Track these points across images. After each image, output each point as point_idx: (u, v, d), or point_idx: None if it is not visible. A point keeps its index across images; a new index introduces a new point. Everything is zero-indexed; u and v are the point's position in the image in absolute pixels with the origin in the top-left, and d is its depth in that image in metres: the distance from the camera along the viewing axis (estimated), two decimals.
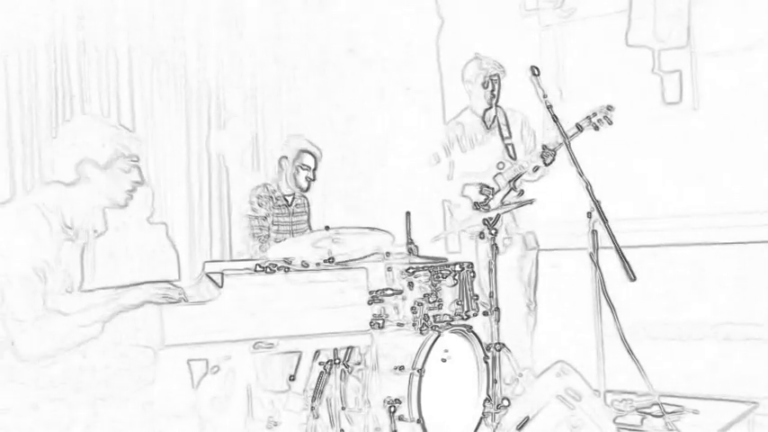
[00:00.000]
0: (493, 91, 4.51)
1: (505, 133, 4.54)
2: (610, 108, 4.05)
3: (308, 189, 4.53)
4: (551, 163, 4.25)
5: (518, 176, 4.30)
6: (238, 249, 4.84)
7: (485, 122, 4.56)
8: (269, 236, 4.36)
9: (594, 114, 4.06)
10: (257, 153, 5.23)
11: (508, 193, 4.32)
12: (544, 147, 4.24)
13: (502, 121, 4.57)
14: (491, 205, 4.27)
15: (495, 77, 4.50)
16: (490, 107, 4.54)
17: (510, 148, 4.52)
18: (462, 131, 4.58)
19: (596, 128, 4.07)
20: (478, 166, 4.48)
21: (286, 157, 4.50)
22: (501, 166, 4.36)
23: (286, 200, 4.50)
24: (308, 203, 4.62)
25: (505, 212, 4.32)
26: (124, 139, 3.02)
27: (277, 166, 4.53)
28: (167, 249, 4.78)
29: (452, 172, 4.57)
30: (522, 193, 4.33)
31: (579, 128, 4.07)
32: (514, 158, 4.47)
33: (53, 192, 2.95)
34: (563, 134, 3.99)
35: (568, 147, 3.94)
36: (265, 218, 4.39)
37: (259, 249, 4.35)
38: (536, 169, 4.27)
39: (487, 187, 4.32)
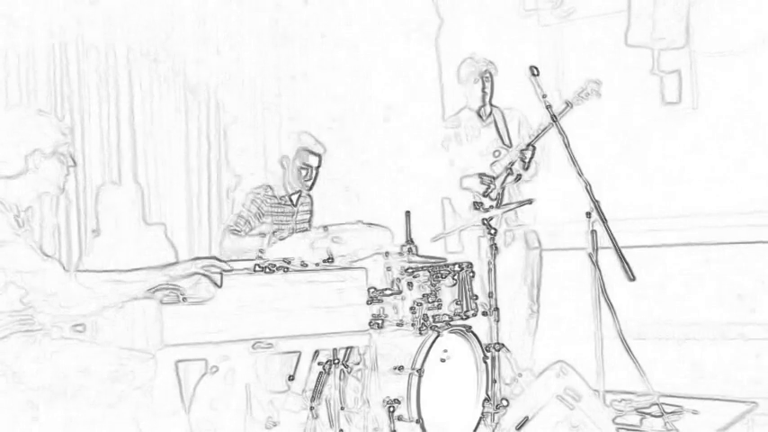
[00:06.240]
0: (484, 88, 4.55)
1: (503, 134, 4.57)
2: (597, 82, 4.06)
3: (311, 188, 4.52)
4: (531, 158, 4.27)
5: (514, 162, 4.32)
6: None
7: (480, 117, 4.60)
8: (245, 233, 4.34)
9: (583, 89, 4.08)
10: (259, 154, 5.24)
11: (506, 178, 4.34)
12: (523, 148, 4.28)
13: (499, 119, 4.60)
14: (491, 195, 4.29)
15: (487, 75, 4.55)
16: (484, 104, 4.59)
17: (506, 141, 4.56)
18: (459, 124, 4.63)
19: (584, 99, 4.10)
20: (474, 160, 4.52)
21: (287, 157, 4.48)
22: (497, 153, 4.38)
23: (290, 199, 4.49)
24: (312, 202, 4.61)
25: (505, 213, 4.32)
26: (60, 127, 3.10)
27: (279, 166, 4.51)
28: (166, 249, 4.78)
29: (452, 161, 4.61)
30: (519, 177, 4.35)
31: (569, 104, 4.10)
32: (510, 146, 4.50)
33: None
34: (562, 133, 3.99)
35: (567, 147, 3.94)
36: (250, 220, 4.36)
37: (223, 242, 4.33)
38: (527, 162, 4.30)
39: (487, 176, 4.35)
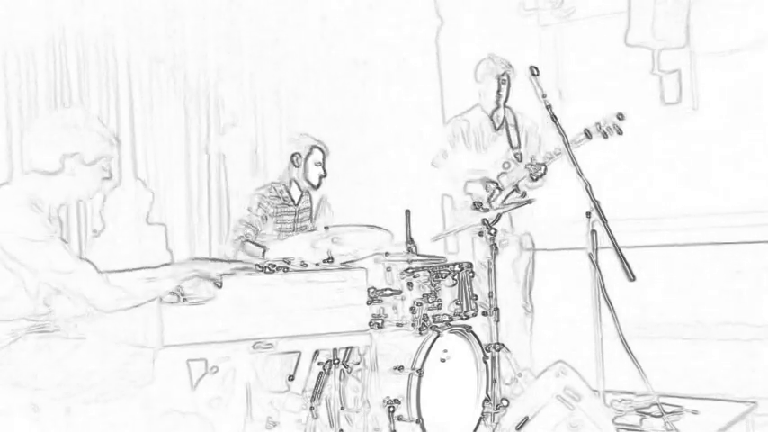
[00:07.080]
0: (499, 91, 4.50)
1: (513, 138, 4.55)
2: (620, 117, 3.96)
3: (318, 185, 4.50)
4: (541, 176, 4.22)
5: (522, 179, 4.30)
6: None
7: (493, 122, 4.56)
8: (254, 239, 4.33)
9: (605, 122, 3.96)
10: (257, 155, 5.23)
11: (511, 193, 4.32)
12: (532, 161, 4.24)
13: (510, 121, 4.57)
14: (493, 204, 4.27)
15: (504, 78, 4.50)
16: (498, 107, 4.54)
17: (518, 156, 4.53)
18: (468, 126, 4.58)
19: (605, 136, 3.99)
20: (482, 167, 4.50)
21: (299, 154, 4.45)
22: (506, 165, 4.36)
23: (293, 199, 4.48)
24: (311, 200, 4.60)
25: (505, 212, 4.32)
26: (109, 139, 3.09)
27: (288, 163, 4.48)
28: (164, 250, 4.78)
29: (456, 172, 4.58)
30: (524, 194, 4.33)
31: (588, 134, 3.99)
32: (521, 161, 4.47)
33: (35, 181, 2.98)
34: (562, 133, 3.98)
35: (567, 147, 3.93)
36: (257, 225, 4.35)
37: (238, 255, 4.32)
38: (536, 179, 4.26)
39: (492, 182, 4.33)
